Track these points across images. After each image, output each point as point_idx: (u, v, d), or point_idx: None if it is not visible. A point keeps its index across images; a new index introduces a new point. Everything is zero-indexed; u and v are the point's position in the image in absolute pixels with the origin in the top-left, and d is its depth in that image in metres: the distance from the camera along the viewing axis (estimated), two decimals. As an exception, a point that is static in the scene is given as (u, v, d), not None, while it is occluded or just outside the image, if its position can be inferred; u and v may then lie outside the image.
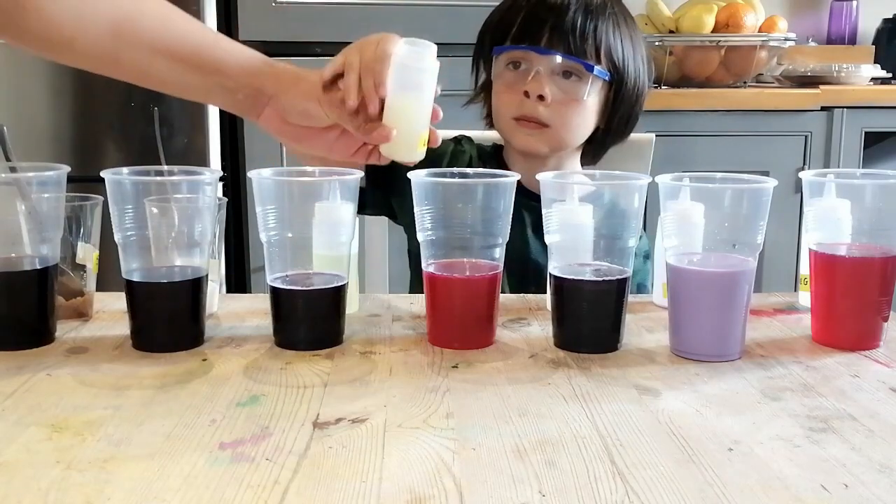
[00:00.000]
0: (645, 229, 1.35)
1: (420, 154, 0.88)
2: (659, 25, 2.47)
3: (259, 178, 0.84)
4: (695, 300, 0.83)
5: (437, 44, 0.97)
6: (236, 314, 0.96)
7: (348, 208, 0.86)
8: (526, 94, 1.14)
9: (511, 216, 0.86)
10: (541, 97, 1.14)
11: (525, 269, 1.16)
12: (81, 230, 0.92)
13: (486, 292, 0.86)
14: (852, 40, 2.77)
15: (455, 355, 0.83)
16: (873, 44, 2.69)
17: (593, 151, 1.24)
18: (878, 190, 0.87)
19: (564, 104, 1.15)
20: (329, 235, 0.86)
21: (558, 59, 1.13)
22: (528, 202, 1.09)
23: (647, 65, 1.21)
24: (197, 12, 1.96)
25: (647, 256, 1.23)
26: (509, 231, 0.86)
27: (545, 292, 0.91)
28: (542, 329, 0.91)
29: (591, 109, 1.17)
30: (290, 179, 0.86)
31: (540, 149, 1.17)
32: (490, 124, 1.25)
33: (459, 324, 0.86)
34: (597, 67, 1.14)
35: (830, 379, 0.78)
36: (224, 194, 1.60)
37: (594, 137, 1.21)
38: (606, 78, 1.16)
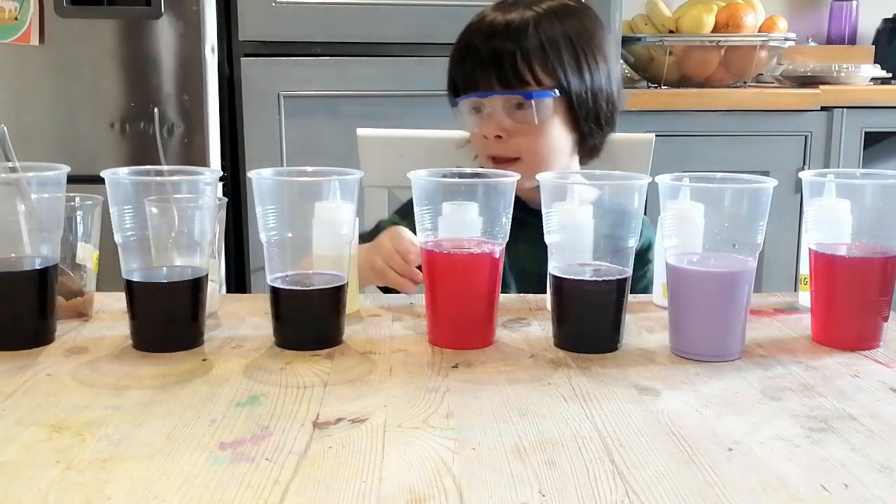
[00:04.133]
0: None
1: None
2: (659, 25, 2.47)
3: (259, 178, 0.84)
4: (695, 300, 0.83)
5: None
6: (236, 314, 0.96)
7: (348, 208, 0.86)
8: (485, 136, 1.18)
9: (511, 216, 0.86)
10: (498, 136, 1.17)
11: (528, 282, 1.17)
12: (81, 230, 0.92)
13: (486, 292, 0.86)
14: (852, 40, 2.77)
15: (455, 355, 0.83)
16: (873, 44, 2.70)
17: (588, 152, 1.25)
18: (877, 190, 0.87)
19: (525, 133, 1.17)
20: (329, 235, 0.86)
21: (498, 97, 1.15)
22: (528, 217, 1.09)
23: (600, 61, 1.20)
24: (197, 12, 1.96)
25: (650, 261, 1.22)
26: (509, 233, 0.86)
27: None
28: (541, 329, 0.91)
29: (556, 128, 1.18)
30: (290, 179, 0.86)
31: (523, 183, 1.17)
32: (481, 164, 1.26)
33: (459, 324, 0.86)
34: (536, 92, 1.15)
35: (830, 379, 0.78)
36: (224, 194, 1.60)
37: (582, 142, 1.22)
38: (552, 95, 1.15)
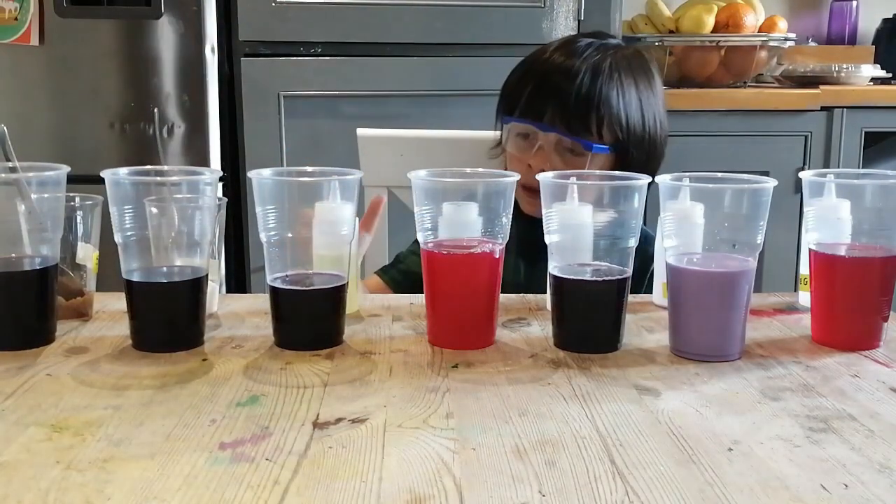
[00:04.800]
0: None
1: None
2: (659, 25, 2.47)
3: (259, 178, 0.84)
4: (695, 300, 0.83)
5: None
6: (236, 314, 0.96)
7: (348, 208, 0.86)
8: (530, 165, 1.18)
9: (511, 215, 0.86)
10: (542, 171, 1.15)
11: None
12: (81, 230, 0.92)
13: (486, 292, 0.86)
14: (852, 40, 2.77)
15: (455, 355, 0.83)
16: (873, 44, 2.70)
17: None
18: (877, 190, 0.87)
19: None
20: (329, 235, 0.86)
21: (558, 136, 1.17)
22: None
23: (658, 120, 1.21)
24: (197, 12, 1.96)
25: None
26: (509, 232, 0.86)
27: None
28: (541, 329, 0.91)
29: None
30: (290, 179, 0.86)
31: None
32: None
33: (459, 324, 0.86)
34: (596, 145, 1.16)
35: (830, 379, 0.78)
36: (224, 194, 1.60)
37: None
38: (608, 152, 1.17)
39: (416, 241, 1.30)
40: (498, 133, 1.27)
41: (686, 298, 0.83)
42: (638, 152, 1.19)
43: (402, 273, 1.29)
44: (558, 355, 0.84)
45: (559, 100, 1.17)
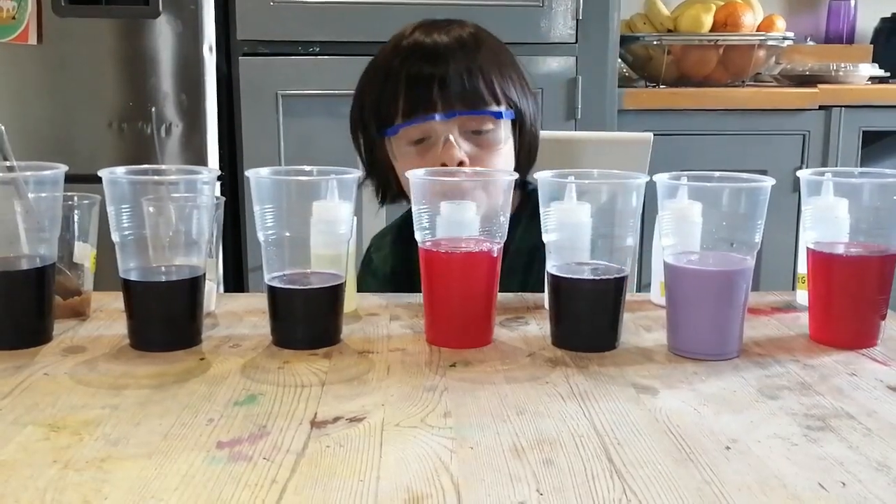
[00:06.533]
0: (643, 228, 1.35)
1: None
2: (657, 24, 2.47)
3: (257, 177, 0.84)
4: (693, 299, 0.83)
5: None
6: (234, 313, 0.96)
7: (346, 207, 0.86)
8: (444, 164, 1.07)
9: (509, 214, 0.86)
10: (461, 163, 1.07)
11: None
12: (78, 229, 0.92)
13: (484, 291, 0.86)
14: (850, 39, 2.77)
15: (453, 354, 0.83)
16: (871, 43, 2.70)
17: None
18: (875, 189, 0.87)
19: (484, 159, 1.09)
20: (327, 234, 0.86)
21: (464, 118, 1.08)
22: None
23: (531, 92, 1.16)
24: (195, 11, 1.96)
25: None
26: (507, 231, 0.86)
27: None
28: (539, 328, 0.91)
29: (509, 153, 1.13)
30: (288, 178, 0.86)
31: None
32: (384, 201, 1.22)
33: (457, 323, 0.86)
34: (503, 111, 1.10)
35: (828, 377, 0.78)
36: (222, 193, 1.60)
37: None
38: (513, 117, 1.11)
39: (365, 257, 1.27)
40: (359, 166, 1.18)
41: (684, 297, 0.83)
42: (527, 125, 1.14)
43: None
44: (556, 354, 0.84)
45: (444, 80, 1.07)
